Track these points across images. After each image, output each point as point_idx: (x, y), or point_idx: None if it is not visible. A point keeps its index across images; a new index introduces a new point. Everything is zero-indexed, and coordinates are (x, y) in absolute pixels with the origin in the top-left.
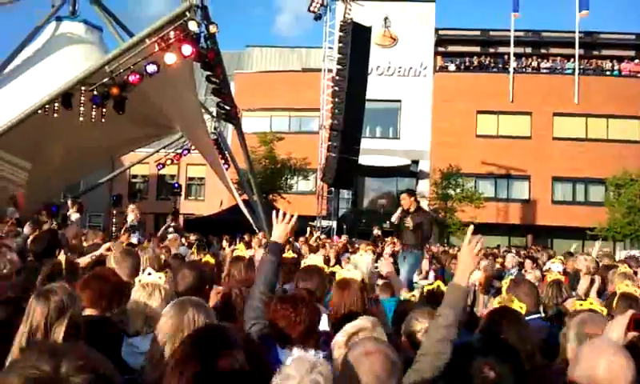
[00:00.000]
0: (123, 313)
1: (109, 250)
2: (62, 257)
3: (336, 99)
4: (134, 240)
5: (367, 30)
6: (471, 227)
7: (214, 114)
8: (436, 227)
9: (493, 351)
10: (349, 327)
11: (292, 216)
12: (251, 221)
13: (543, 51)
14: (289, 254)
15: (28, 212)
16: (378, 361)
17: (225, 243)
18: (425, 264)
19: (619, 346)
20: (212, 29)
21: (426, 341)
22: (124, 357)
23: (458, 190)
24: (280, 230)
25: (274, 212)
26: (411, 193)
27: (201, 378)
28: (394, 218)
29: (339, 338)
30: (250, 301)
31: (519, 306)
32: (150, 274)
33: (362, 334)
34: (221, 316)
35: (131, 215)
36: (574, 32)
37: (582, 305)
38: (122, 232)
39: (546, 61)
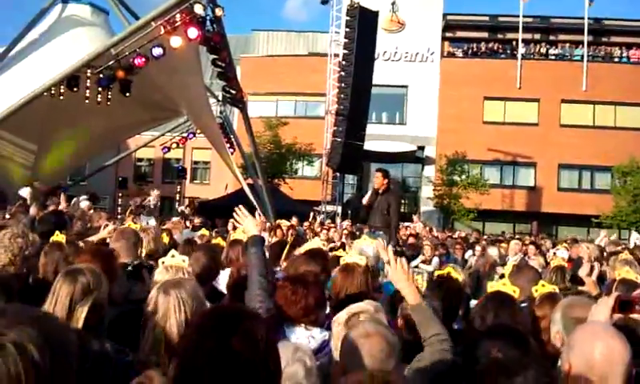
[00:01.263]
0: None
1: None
2: (60, 236)
3: (342, 84)
4: (145, 223)
5: (374, 15)
6: (380, 242)
7: (220, 97)
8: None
9: (501, 336)
10: (352, 307)
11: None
12: (256, 205)
13: (552, 38)
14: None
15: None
16: (377, 343)
17: (230, 226)
18: (427, 250)
19: (614, 329)
20: (218, 12)
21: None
22: None
23: (464, 177)
24: (249, 225)
25: (235, 211)
26: (385, 173)
27: (217, 354)
28: (366, 199)
29: (340, 316)
30: (248, 293)
31: (513, 290)
32: (173, 255)
33: (364, 316)
34: (231, 296)
35: (152, 199)
36: (582, 18)
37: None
38: (127, 214)
39: (554, 47)
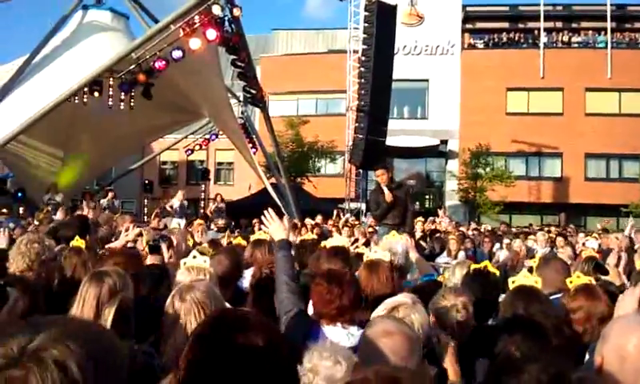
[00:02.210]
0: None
1: (139, 234)
2: (80, 242)
3: (362, 80)
4: (174, 224)
5: (393, 9)
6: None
7: (241, 98)
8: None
9: (518, 330)
10: (389, 301)
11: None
12: (280, 204)
13: (574, 25)
14: (308, 235)
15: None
16: (399, 341)
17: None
18: (452, 244)
19: None
20: (236, 12)
21: None
22: None
23: (488, 169)
24: (276, 230)
25: (263, 214)
26: (385, 167)
27: (215, 359)
28: (389, 197)
29: (379, 312)
30: (278, 295)
31: (534, 281)
32: (194, 256)
33: (402, 309)
34: (254, 296)
35: (175, 200)
36: (605, 5)
37: (514, 282)
38: (153, 217)
39: (577, 35)
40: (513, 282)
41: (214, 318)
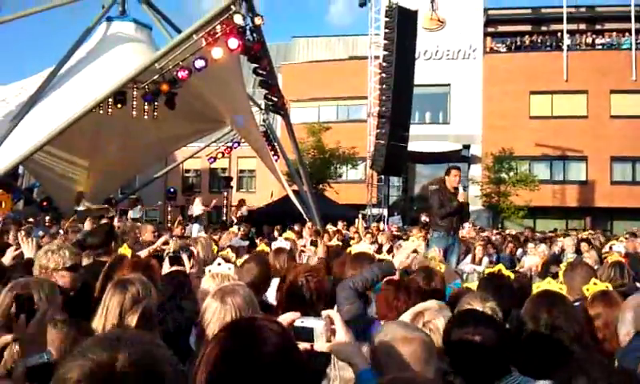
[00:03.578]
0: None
1: (166, 242)
2: (127, 250)
3: (383, 86)
4: (195, 230)
5: (413, 14)
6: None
7: (263, 106)
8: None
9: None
10: (415, 307)
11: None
12: (302, 211)
13: (598, 27)
14: (333, 242)
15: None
16: (418, 347)
17: (276, 234)
18: (478, 250)
19: None
20: (257, 21)
21: None
22: (192, 345)
23: (512, 174)
24: (401, 259)
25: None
26: (460, 168)
27: (227, 373)
28: (463, 198)
29: (405, 317)
30: (340, 289)
31: (559, 288)
32: (219, 264)
33: (428, 314)
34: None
35: (195, 208)
36: (629, 6)
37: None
38: (175, 225)
39: (600, 37)
40: (537, 287)
41: (231, 327)
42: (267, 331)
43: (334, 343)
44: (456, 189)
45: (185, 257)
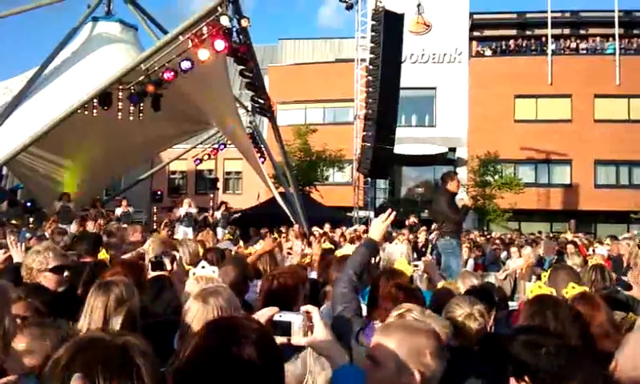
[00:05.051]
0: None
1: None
2: (105, 255)
3: (370, 89)
4: (181, 232)
5: (400, 18)
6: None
7: (249, 107)
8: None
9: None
10: (398, 307)
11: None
12: (288, 213)
13: (582, 32)
14: (325, 245)
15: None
16: (424, 340)
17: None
18: (464, 252)
19: None
20: (243, 22)
21: None
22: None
23: (497, 177)
24: (378, 229)
25: (386, 212)
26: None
27: (209, 371)
28: (471, 202)
29: (389, 317)
30: (337, 287)
31: (550, 292)
32: (203, 267)
33: (409, 315)
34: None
35: (181, 209)
36: (613, 11)
37: (532, 291)
38: (162, 227)
39: (585, 42)
40: (531, 292)
41: (213, 326)
42: (247, 329)
43: (311, 338)
44: (456, 193)
45: (167, 261)
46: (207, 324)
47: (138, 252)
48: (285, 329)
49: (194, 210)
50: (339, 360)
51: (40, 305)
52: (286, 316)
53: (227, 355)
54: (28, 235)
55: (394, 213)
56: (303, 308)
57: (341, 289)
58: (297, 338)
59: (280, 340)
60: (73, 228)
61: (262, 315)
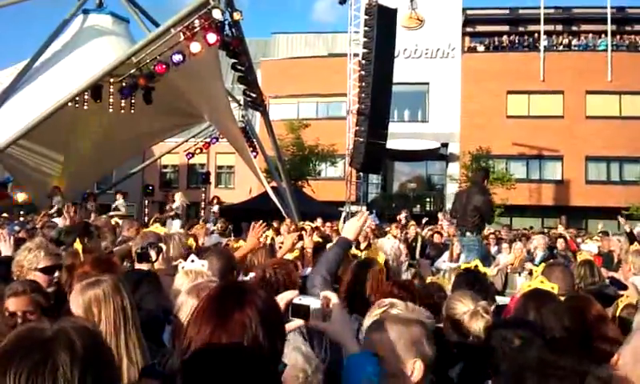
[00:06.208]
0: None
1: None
2: (77, 245)
3: (363, 83)
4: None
5: (393, 12)
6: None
7: (241, 101)
8: None
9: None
10: (383, 301)
11: (366, 217)
12: (280, 207)
13: (574, 28)
14: (315, 238)
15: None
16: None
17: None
18: (456, 248)
19: None
20: (236, 16)
21: None
22: (165, 341)
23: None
24: (352, 228)
25: (359, 213)
26: None
27: (213, 333)
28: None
29: (372, 310)
30: (313, 288)
31: (551, 287)
32: (192, 260)
33: (393, 309)
34: None
35: (177, 202)
36: (605, 8)
37: (529, 286)
38: (152, 221)
39: (577, 38)
40: (529, 286)
41: (219, 290)
42: (254, 294)
43: (328, 323)
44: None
45: (152, 253)
46: (218, 286)
47: (128, 245)
48: (303, 312)
49: (186, 203)
50: (352, 349)
51: (42, 300)
52: (305, 300)
53: (233, 314)
54: (17, 228)
55: (371, 216)
56: (322, 293)
57: (317, 290)
58: (314, 322)
59: (297, 322)
60: (61, 222)
61: (283, 298)
